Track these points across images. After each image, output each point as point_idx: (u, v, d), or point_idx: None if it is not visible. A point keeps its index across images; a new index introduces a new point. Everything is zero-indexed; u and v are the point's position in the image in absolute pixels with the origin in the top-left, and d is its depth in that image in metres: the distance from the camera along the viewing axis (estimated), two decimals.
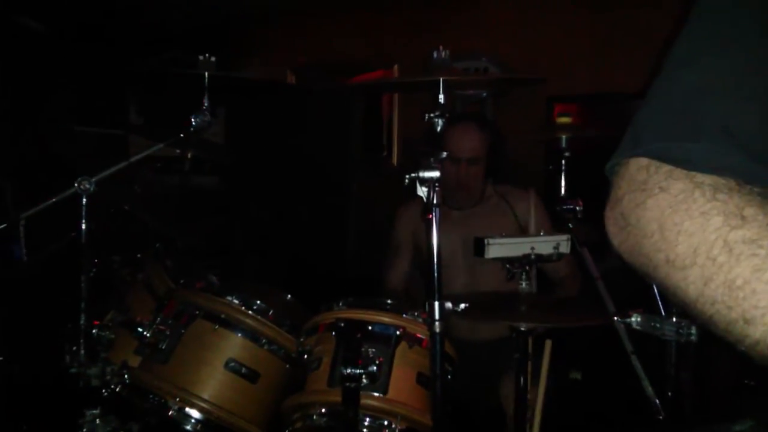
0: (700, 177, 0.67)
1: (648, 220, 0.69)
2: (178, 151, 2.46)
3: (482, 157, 2.63)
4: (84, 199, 1.90)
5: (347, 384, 1.65)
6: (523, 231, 2.56)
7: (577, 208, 2.06)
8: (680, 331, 1.64)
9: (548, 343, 2.16)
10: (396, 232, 2.84)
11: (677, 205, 0.66)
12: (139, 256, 2.38)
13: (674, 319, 1.65)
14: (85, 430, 1.90)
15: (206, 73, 2.03)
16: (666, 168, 0.69)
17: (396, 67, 4.86)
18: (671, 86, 0.74)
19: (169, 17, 4.89)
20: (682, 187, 0.67)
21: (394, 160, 5.02)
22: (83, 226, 1.91)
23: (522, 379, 1.91)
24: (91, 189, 1.90)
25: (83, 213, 1.91)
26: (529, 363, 1.99)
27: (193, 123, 2.02)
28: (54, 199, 1.91)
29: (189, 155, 2.55)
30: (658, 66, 0.77)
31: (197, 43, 2.14)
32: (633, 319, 1.70)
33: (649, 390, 1.84)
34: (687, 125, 0.70)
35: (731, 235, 0.62)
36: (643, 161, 0.72)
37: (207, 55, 2.02)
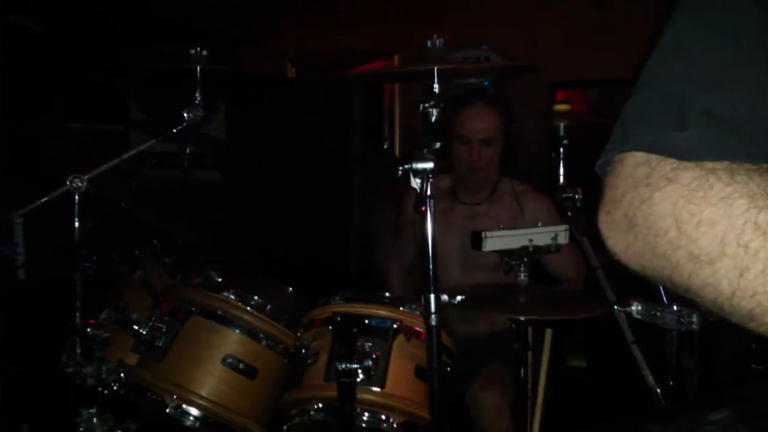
0: (710, 163, 0.61)
1: (659, 216, 0.62)
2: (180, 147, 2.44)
3: (496, 139, 2.53)
4: (76, 197, 1.89)
5: (342, 379, 1.63)
6: None
7: (577, 196, 2.03)
8: (681, 319, 1.62)
9: (548, 333, 2.14)
10: (403, 214, 2.76)
11: (692, 194, 0.60)
12: (137, 252, 2.37)
13: (675, 308, 1.63)
14: (82, 429, 1.89)
15: (198, 67, 2.01)
16: (671, 159, 0.64)
17: (397, 57, 4.84)
18: (659, 76, 0.70)
19: (166, 10, 4.87)
20: (694, 175, 0.61)
21: (397, 152, 5.00)
22: (76, 224, 1.90)
23: (522, 370, 1.90)
24: (84, 187, 1.89)
25: (76, 211, 1.89)
26: (530, 353, 1.97)
27: (186, 118, 2.00)
28: (46, 198, 1.89)
29: (188, 150, 2.53)
30: (645, 55, 0.73)
31: (195, 37, 2.12)
32: (633, 308, 1.68)
33: (650, 379, 1.82)
34: (676, 115, 0.65)
35: (761, 217, 0.56)
36: (641, 156, 0.66)
37: (198, 48, 2.00)
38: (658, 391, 1.80)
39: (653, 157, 0.65)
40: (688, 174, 0.62)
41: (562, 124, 2.21)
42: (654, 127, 0.67)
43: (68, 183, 1.88)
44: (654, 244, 0.64)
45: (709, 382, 1.96)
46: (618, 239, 0.69)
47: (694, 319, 1.62)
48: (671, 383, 1.75)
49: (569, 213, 2.09)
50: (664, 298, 1.75)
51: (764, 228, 0.56)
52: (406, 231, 2.76)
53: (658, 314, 1.65)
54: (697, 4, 0.70)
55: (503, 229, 1.86)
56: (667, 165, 0.64)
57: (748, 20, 0.67)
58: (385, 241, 2.89)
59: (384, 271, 2.87)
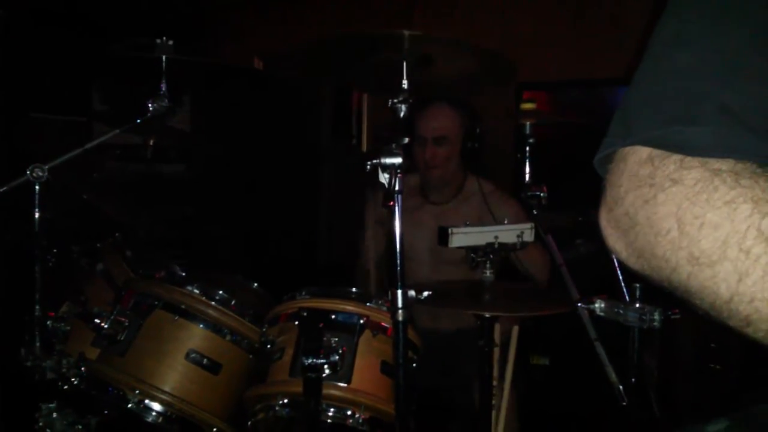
0: (715, 163, 0.60)
1: (662, 216, 0.62)
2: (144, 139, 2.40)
3: (451, 139, 2.57)
4: (37, 188, 1.84)
5: (308, 374, 1.63)
6: None
7: (542, 194, 2.05)
8: (643, 317, 1.63)
9: (515, 329, 2.16)
10: (375, 209, 2.77)
11: (696, 197, 0.59)
12: (98, 245, 2.33)
13: (637, 305, 1.65)
14: (41, 424, 1.85)
15: (164, 57, 1.98)
16: (675, 157, 0.63)
17: None
18: (663, 68, 0.68)
19: (133, 1, 4.78)
20: (698, 176, 0.60)
21: (364, 148, 4.99)
22: (36, 215, 1.86)
23: (487, 367, 1.91)
24: (44, 177, 1.85)
25: (36, 201, 1.85)
26: (496, 350, 1.99)
27: (151, 108, 1.96)
28: (5, 188, 1.85)
29: (151, 142, 2.49)
30: (640, 50, 0.71)
31: (162, 29, 2.08)
32: (596, 305, 1.69)
33: (613, 376, 1.85)
34: (685, 108, 0.63)
35: (765, 223, 0.55)
36: (644, 153, 0.65)
37: (164, 38, 1.97)
38: (620, 387, 1.82)
39: (657, 153, 0.64)
40: (693, 175, 0.61)
41: (528, 123, 2.22)
42: (659, 119, 0.65)
43: (28, 173, 1.84)
44: (654, 243, 0.63)
45: (670, 379, 2.00)
46: (618, 237, 0.68)
47: (656, 317, 1.64)
48: (633, 380, 1.78)
49: (534, 211, 2.10)
50: (627, 297, 1.77)
51: (767, 234, 0.56)
52: (379, 222, 2.76)
53: (621, 312, 1.67)
54: None
55: (470, 225, 1.87)
56: (671, 164, 0.63)
57: (753, 10, 0.65)
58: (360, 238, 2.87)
59: (366, 270, 2.85)
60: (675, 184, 0.62)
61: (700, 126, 0.62)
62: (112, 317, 1.91)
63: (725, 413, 0.65)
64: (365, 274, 2.78)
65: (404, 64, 1.74)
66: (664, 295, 0.66)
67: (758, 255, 0.55)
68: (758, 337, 0.58)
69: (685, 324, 1.65)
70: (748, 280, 0.56)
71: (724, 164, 0.60)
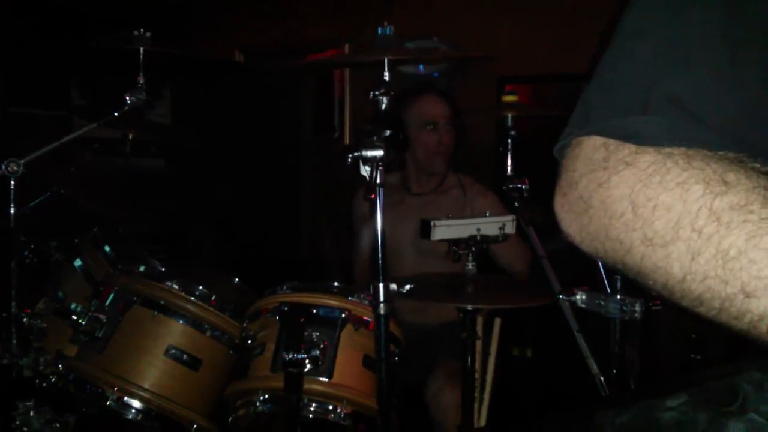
0: (668, 149, 0.61)
1: (615, 199, 0.63)
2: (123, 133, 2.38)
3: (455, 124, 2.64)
4: (12, 182, 1.81)
5: (290, 369, 1.61)
6: None
7: (523, 187, 2.05)
8: (624, 308, 1.64)
9: (497, 321, 2.16)
10: (358, 221, 2.79)
11: (648, 179, 0.61)
12: (76, 241, 2.29)
13: (618, 297, 1.66)
14: (18, 422, 1.83)
15: (141, 49, 1.95)
16: (629, 144, 0.64)
17: (347, 46, 4.80)
18: (622, 59, 0.69)
19: None
20: (651, 160, 0.61)
21: (346, 141, 4.96)
22: (12, 210, 1.82)
23: (469, 359, 1.91)
24: (20, 171, 1.82)
25: (12, 196, 1.82)
26: (478, 342, 1.99)
27: (128, 101, 1.94)
28: None
29: (130, 136, 2.46)
30: (604, 43, 0.72)
31: (143, 22, 2.05)
32: (577, 297, 1.70)
33: (594, 368, 1.85)
34: (637, 98, 0.65)
35: (716, 203, 0.57)
36: (599, 140, 0.66)
37: (142, 30, 1.94)
38: (602, 379, 1.83)
39: (611, 141, 0.65)
40: (646, 158, 0.62)
41: (509, 115, 2.22)
42: (615, 110, 0.66)
43: (3, 167, 1.81)
44: (608, 226, 0.64)
45: (651, 370, 2.01)
46: (572, 221, 0.69)
47: (637, 308, 1.65)
48: (614, 371, 1.78)
49: (516, 204, 2.11)
50: (608, 288, 1.78)
51: (718, 214, 0.56)
52: (360, 228, 2.78)
53: (602, 303, 1.67)
54: None
55: (452, 218, 1.86)
56: (625, 149, 0.64)
57: (712, 7, 0.66)
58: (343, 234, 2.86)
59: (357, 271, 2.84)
60: (628, 166, 0.63)
61: (651, 116, 0.63)
62: (89, 313, 1.88)
63: (685, 389, 0.65)
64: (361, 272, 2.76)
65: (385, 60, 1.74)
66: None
67: (710, 234, 0.56)
68: (711, 316, 0.58)
69: (666, 315, 1.66)
70: (700, 259, 0.57)
71: (676, 149, 0.61)
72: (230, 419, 1.83)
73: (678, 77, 0.64)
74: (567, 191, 0.69)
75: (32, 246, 2.22)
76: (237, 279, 2.38)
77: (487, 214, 1.92)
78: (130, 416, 1.83)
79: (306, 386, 1.66)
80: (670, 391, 0.66)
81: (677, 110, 0.63)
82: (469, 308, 1.85)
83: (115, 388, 1.81)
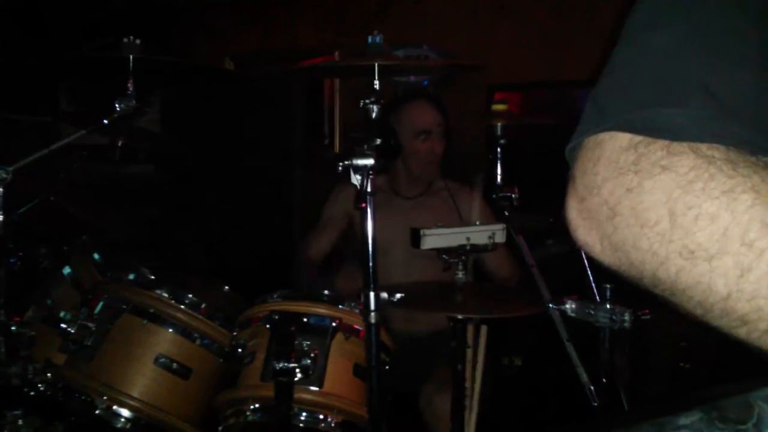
0: (706, 150, 0.55)
1: (648, 206, 0.56)
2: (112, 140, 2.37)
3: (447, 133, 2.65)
4: (0, 189, 1.80)
5: (280, 378, 1.61)
6: None
7: (513, 195, 2.05)
8: (614, 318, 1.65)
9: (484, 329, 2.16)
10: (329, 208, 2.73)
11: (689, 185, 0.54)
12: (65, 248, 2.28)
13: (608, 306, 1.66)
14: (7, 431, 1.81)
15: (131, 56, 1.95)
16: (661, 143, 0.57)
17: (337, 53, 4.81)
18: (638, 51, 0.63)
19: (104, 3, 4.72)
20: (691, 164, 0.55)
21: (336, 149, 4.97)
22: (0, 217, 1.81)
23: (459, 367, 1.91)
24: (8, 178, 1.81)
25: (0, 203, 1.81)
26: (468, 350, 1.99)
27: (117, 108, 1.93)
28: None
29: (120, 143, 2.45)
30: (609, 46, 0.67)
31: (133, 29, 2.05)
32: (567, 306, 1.71)
33: (584, 377, 1.86)
34: (666, 90, 0.59)
35: None
36: (624, 138, 0.59)
37: (131, 37, 1.94)
38: (592, 387, 1.83)
39: (639, 139, 0.59)
40: (685, 162, 0.56)
41: (499, 124, 2.23)
42: (638, 101, 0.60)
43: None
44: (639, 235, 0.58)
45: (640, 378, 2.02)
46: (592, 229, 0.62)
47: (626, 317, 1.65)
48: (604, 380, 1.79)
49: (506, 212, 2.11)
50: (597, 297, 1.79)
51: None
52: (329, 228, 2.72)
53: (592, 312, 1.68)
54: None
55: (441, 227, 1.86)
56: (659, 150, 0.58)
57: None
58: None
59: (303, 248, 2.78)
60: (664, 170, 0.56)
61: (686, 108, 0.57)
62: (79, 322, 1.87)
63: (698, 406, 0.63)
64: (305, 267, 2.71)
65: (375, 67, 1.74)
66: (635, 296, 0.63)
67: (762, 249, 0.51)
68: (752, 338, 0.54)
69: (656, 324, 1.67)
70: (750, 276, 0.51)
71: (716, 152, 0.56)
72: (220, 428, 1.82)
73: (711, 66, 0.59)
74: (586, 196, 0.62)
75: (21, 253, 2.21)
76: (227, 287, 2.37)
77: (477, 223, 1.92)
78: (120, 425, 1.81)
79: (296, 395, 1.66)
80: (683, 408, 0.62)
81: (713, 104, 0.57)
82: (460, 317, 1.85)
83: (105, 397, 1.80)
